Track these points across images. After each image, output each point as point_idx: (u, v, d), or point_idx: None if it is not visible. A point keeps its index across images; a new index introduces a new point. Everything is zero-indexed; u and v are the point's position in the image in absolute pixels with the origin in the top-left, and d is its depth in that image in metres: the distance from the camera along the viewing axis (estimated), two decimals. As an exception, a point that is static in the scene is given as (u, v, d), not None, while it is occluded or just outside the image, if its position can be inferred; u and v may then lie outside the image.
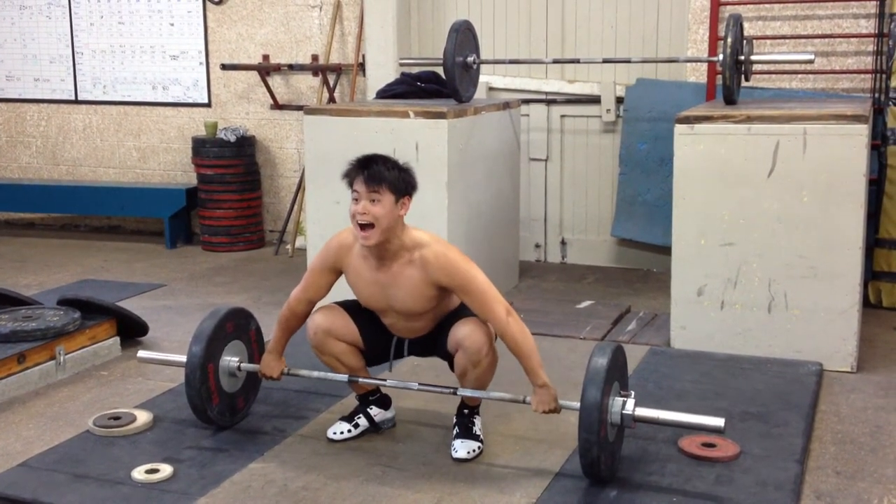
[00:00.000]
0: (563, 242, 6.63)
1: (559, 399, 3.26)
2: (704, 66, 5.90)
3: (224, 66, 7.02)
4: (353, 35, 6.84)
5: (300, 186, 6.88)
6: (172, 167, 7.59)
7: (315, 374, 3.64)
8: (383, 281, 3.36)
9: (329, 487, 3.22)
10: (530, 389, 3.29)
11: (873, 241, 5.30)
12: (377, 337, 3.54)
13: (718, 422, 3.11)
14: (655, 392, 4.00)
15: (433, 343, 3.51)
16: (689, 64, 5.99)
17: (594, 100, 6.34)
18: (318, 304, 3.57)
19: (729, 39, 4.71)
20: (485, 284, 3.26)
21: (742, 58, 4.83)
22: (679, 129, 4.47)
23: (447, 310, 3.46)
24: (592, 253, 6.55)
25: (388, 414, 3.70)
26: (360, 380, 3.58)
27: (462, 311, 3.41)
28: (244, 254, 7.02)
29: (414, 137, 4.95)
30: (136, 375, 4.38)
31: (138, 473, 3.28)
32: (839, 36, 5.65)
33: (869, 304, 5.22)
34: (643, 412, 3.18)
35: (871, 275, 5.29)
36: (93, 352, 4.53)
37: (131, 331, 4.80)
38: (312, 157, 5.29)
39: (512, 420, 3.74)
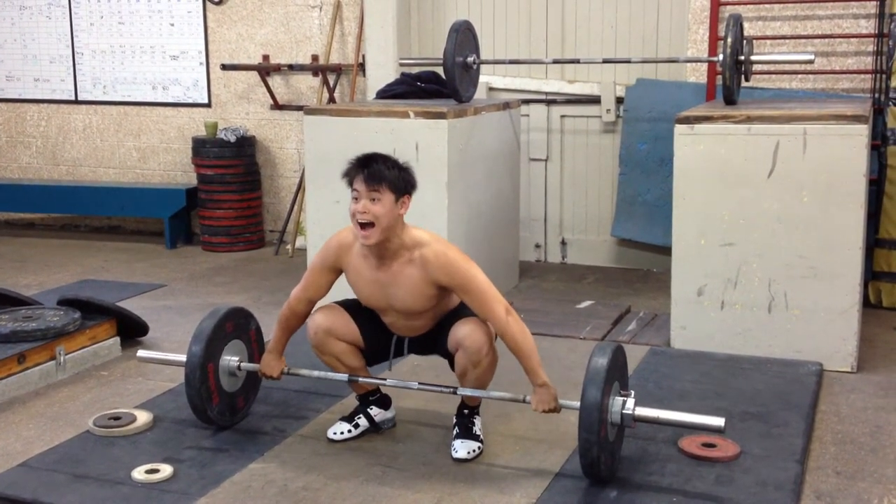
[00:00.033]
0: (563, 242, 6.63)
1: (559, 398, 3.26)
2: (704, 66, 5.90)
3: (224, 67, 7.02)
4: (353, 35, 6.84)
5: (300, 186, 6.88)
6: (172, 167, 7.59)
7: (315, 373, 3.64)
8: (383, 280, 3.36)
9: (329, 487, 3.22)
10: (530, 389, 3.29)
11: (873, 242, 5.30)
12: (377, 336, 3.54)
13: (719, 421, 3.11)
14: (655, 392, 4.00)
15: (433, 341, 3.51)
16: (689, 64, 5.99)
17: (594, 100, 6.34)
18: (319, 304, 3.57)
19: (729, 39, 4.71)
20: (484, 284, 3.26)
21: (742, 58, 4.83)
22: (679, 129, 4.47)
23: (447, 308, 3.46)
24: (592, 253, 6.56)
25: (389, 414, 3.70)
26: (361, 379, 3.58)
27: (462, 310, 3.41)
28: (244, 254, 7.02)
29: (414, 137, 4.95)
30: (137, 375, 4.38)
31: (138, 473, 3.28)
32: (839, 36, 5.65)
33: (869, 305, 5.22)
34: (643, 412, 3.18)
35: (872, 275, 5.29)
36: (93, 352, 4.53)
37: (131, 331, 4.80)
38: (312, 158, 5.29)
39: (512, 420, 3.74)
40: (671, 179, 4.61)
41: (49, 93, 7.89)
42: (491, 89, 6.52)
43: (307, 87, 7.08)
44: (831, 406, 3.94)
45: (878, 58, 5.50)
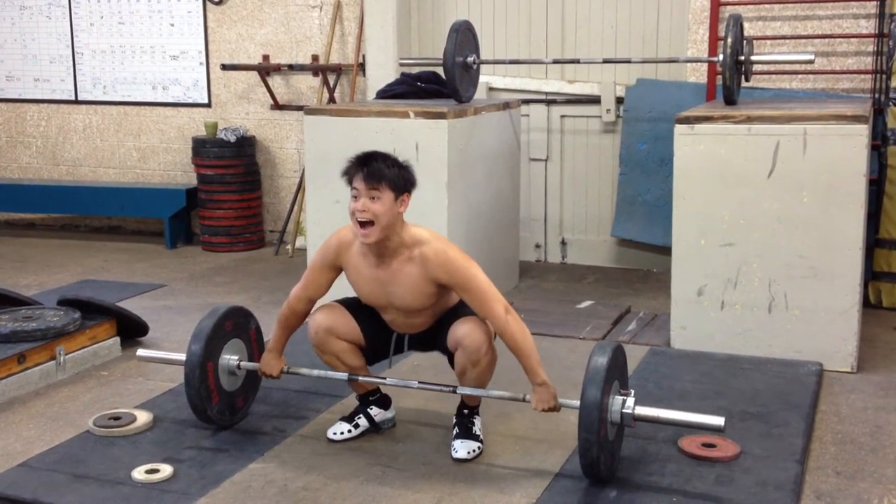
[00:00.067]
0: (563, 242, 6.63)
1: (558, 398, 3.26)
2: (704, 66, 5.90)
3: (224, 67, 7.02)
4: (353, 35, 6.84)
5: (300, 186, 6.88)
6: (172, 167, 7.59)
7: (315, 372, 3.63)
8: (383, 278, 3.36)
9: (329, 488, 3.22)
10: (530, 389, 3.29)
11: (873, 242, 5.30)
12: (378, 333, 3.54)
13: (719, 420, 3.11)
14: (656, 392, 4.00)
15: (433, 338, 3.50)
16: (689, 64, 5.99)
17: (594, 100, 6.34)
18: (318, 302, 3.57)
19: (729, 40, 4.71)
20: (484, 282, 3.26)
21: (742, 58, 4.83)
22: (679, 129, 4.47)
23: (447, 306, 3.46)
24: (592, 253, 6.56)
25: (389, 414, 3.70)
26: (360, 378, 3.57)
27: (462, 308, 3.41)
28: (244, 254, 7.02)
29: (414, 137, 4.95)
30: (137, 375, 4.39)
31: (138, 473, 3.28)
32: (839, 36, 5.65)
33: (869, 305, 5.22)
34: (643, 411, 3.18)
35: (872, 275, 5.29)
36: (93, 352, 4.53)
37: (131, 331, 4.80)
38: (312, 158, 5.29)
39: (512, 420, 3.74)
40: (671, 179, 4.61)
41: (49, 93, 7.89)
42: (491, 89, 6.52)
43: (307, 87, 7.08)
44: (831, 406, 3.94)
45: (879, 58, 5.50)
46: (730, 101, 4.82)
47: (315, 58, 6.97)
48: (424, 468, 3.36)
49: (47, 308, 4.64)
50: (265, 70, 7.02)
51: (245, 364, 3.69)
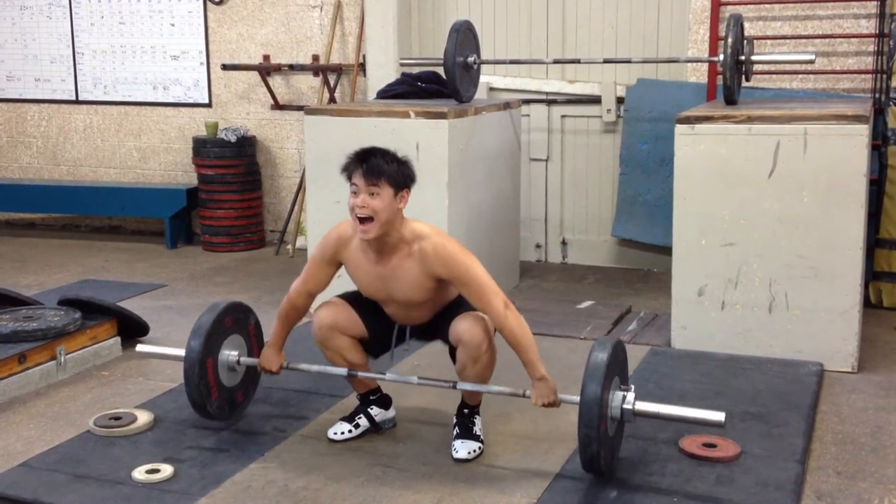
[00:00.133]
0: (563, 242, 6.63)
1: (558, 394, 3.25)
2: (705, 66, 5.90)
3: (225, 67, 7.02)
4: (353, 35, 6.84)
5: (301, 187, 6.88)
6: (173, 167, 7.59)
7: (315, 367, 3.63)
8: (383, 273, 3.36)
9: (329, 488, 3.22)
10: (529, 385, 3.29)
11: (874, 242, 5.30)
12: (380, 325, 3.54)
13: (719, 416, 3.11)
14: (656, 392, 4.00)
15: (435, 327, 3.50)
16: (689, 64, 5.99)
17: (595, 100, 6.34)
18: (319, 297, 3.57)
19: (729, 39, 4.71)
20: (483, 277, 3.26)
21: (743, 58, 4.83)
22: (680, 129, 4.47)
23: (449, 298, 3.46)
24: (593, 253, 6.55)
25: (389, 414, 3.69)
26: (360, 374, 3.56)
27: (464, 300, 3.39)
28: (245, 254, 7.02)
29: (414, 138, 4.95)
30: (137, 376, 4.39)
31: (139, 473, 3.28)
32: (840, 36, 5.65)
33: (870, 305, 5.22)
34: (643, 406, 3.18)
35: (872, 275, 5.29)
36: (93, 352, 4.53)
37: (132, 331, 4.80)
38: (313, 158, 5.29)
39: (512, 420, 3.74)
40: (672, 179, 4.61)
41: (50, 93, 7.89)
42: (491, 89, 6.52)
43: (308, 87, 7.08)
44: (832, 406, 3.94)
45: (879, 58, 5.50)
46: (730, 100, 4.82)
47: (315, 58, 6.97)
48: (425, 468, 3.36)
49: (48, 308, 4.64)
50: (266, 70, 7.02)
51: (244, 360, 3.69)
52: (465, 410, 3.52)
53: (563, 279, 6.17)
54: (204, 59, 7.34)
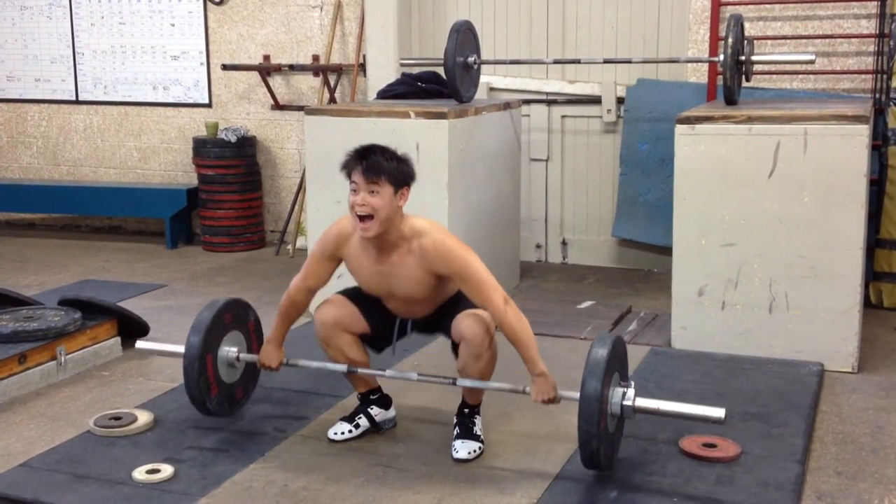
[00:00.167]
0: (563, 243, 6.63)
1: (558, 390, 3.25)
2: (705, 66, 5.90)
3: (225, 67, 7.02)
4: (353, 35, 6.84)
5: (301, 187, 6.88)
6: (173, 167, 7.59)
7: (314, 364, 3.63)
8: (383, 270, 3.36)
9: (330, 488, 3.22)
10: (529, 382, 3.28)
11: (874, 242, 5.30)
12: (382, 320, 3.54)
13: (719, 412, 3.10)
14: (656, 392, 3.99)
15: (437, 321, 3.51)
16: (689, 64, 5.99)
17: (595, 100, 6.34)
18: (319, 294, 3.57)
19: (730, 40, 4.71)
20: (482, 272, 3.26)
21: (743, 58, 4.83)
22: (680, 129, 4.47)
23: (451, 293, 3.46)
24: (593, 253, 6.55)
25: (389, 414, 3.69)
26: (360, 371, 3.55)
27: (465, 295, 3.40)
28: (245, 254, 7.02)
29: (415, 138, 4.95)
30: (137, 376, 4.39)
31: (139, 474, 3.28)
32: (840, 36, 5.65)
33: (870, 305, 5.22)
34: (643, 403, 3.18)
35: (872, 275, 5.29)
36: (94, 352, 4.53)
37: (132, 331, 4.79)
38: (313, 158, 5.29)
39: (512, 420, 3.74)
40: (672, 180, 4.61)
41: (50, 93, 7.89)
42: (492, 89, 6.52)
43: (308, 87, 7.08)
44: (832, 406, 3.94)
45: (879, 58, 5.50)
46: (730, 101, 4.82)
47: (316, 58, 6.97)
48: (425, 468, 3.36)
49: (48, 308, 4.64)
50: (266, 70, 7.02)
51: (244, 356, 3.68)
52: (466, 410, 3.52)
53: (564, 279, 6.17)
54: (204, 60, 7.34)
